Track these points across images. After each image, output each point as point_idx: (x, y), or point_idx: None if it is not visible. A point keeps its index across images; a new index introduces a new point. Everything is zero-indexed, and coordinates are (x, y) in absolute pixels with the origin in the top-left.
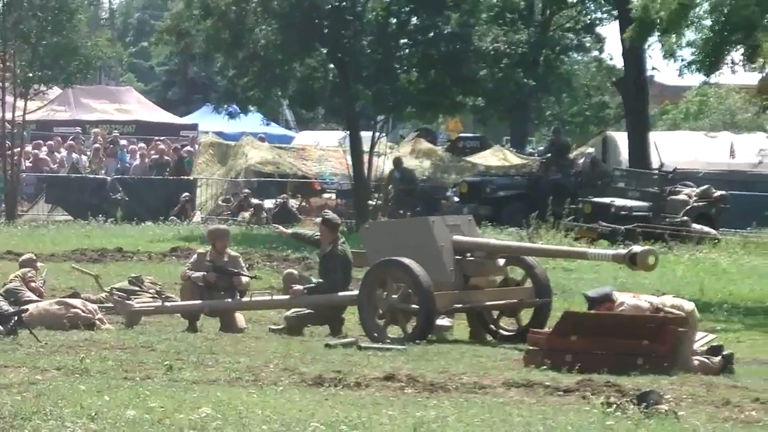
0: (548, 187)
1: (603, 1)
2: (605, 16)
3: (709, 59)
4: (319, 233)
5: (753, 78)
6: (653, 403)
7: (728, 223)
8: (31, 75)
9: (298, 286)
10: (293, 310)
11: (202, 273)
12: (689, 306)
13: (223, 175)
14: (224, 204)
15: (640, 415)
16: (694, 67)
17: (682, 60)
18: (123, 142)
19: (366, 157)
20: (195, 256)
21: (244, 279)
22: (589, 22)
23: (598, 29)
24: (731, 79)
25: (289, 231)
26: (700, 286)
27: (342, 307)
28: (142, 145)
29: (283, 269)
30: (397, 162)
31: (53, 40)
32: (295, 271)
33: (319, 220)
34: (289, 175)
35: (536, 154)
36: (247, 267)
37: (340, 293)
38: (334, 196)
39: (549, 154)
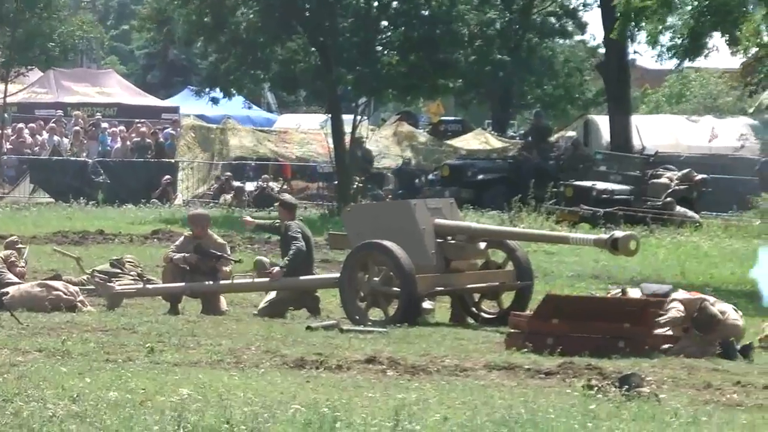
0: (529, 171)
1: None
2: (588, 1)
3: (690, 44)
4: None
5: (735, 62)
6: (634, 386)
7: (709, 206)
8: (10, 57)
9: (276, 268)
10: (264, 301)
11: (183, 254)
12: (734, 314)
13: (206, 159)
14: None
15: (622, 397)
16: (674, 52)
17: (662, 45)
18: (104, 124)
19: (348, 140)
20: (181, 238)
21: (227, 267)
22: (571, 7)
23: (581, 14)
24: (713, 63)
25: (254, 222)
26: (681, 269)
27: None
28: (122, 128)
29: (265, 252)
30: (357, 142)
31: (33, 21)
32: (266, 259)
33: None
34: (270, 158)
35: (517, 138)
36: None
37: (321, 276)
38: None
39: (530, 138)
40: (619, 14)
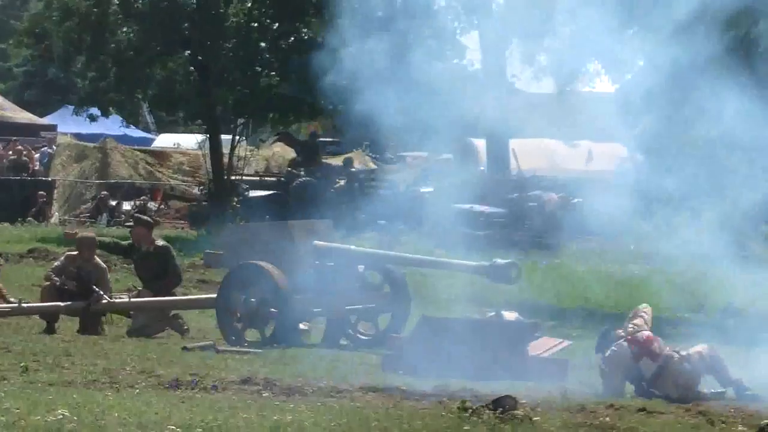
0: (299, 189)
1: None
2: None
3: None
4: (132, 236)
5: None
6: (508, 409)
7: (585, 230)
8: None
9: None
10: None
11: (63, 279)
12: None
13: (82, 177)
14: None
15: (496, 420)
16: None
17: (539, 66)
18: None
19: (226, 160)
20: (62, 258)
21: (104, 300)
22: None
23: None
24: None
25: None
26: (556, 293)
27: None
28: None
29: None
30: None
31: None
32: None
33: (131, 222)
34: (147, 178)
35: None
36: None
37: (198, 296)
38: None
39: (299, 156)
40: None
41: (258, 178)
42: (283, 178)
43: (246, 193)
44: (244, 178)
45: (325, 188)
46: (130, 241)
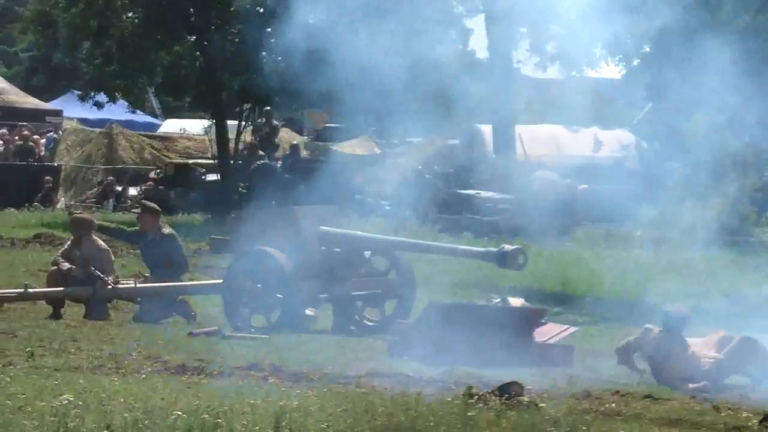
0: (254, 171)
1: None
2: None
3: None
4: (140, 223)
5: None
6: (515, 395)
7: (592, 216)
8: None
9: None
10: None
11: (69, 266)
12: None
13: (87, 162)
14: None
15: (502, 406)
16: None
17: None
18: None
19: (232, 145)
20: (68, 243)
21: (110, 279)
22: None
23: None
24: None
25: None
26: (562, 279)
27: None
28: (4, 131)
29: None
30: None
31: None
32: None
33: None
34: (154, 164)
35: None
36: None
37: (204, 281)
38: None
39: (255, 138)
40: None
41: (214, 161)
42: (240, 162)
43: (203, 177)
44: (200, 161)
45: (282, 170)
46: (136, 228)
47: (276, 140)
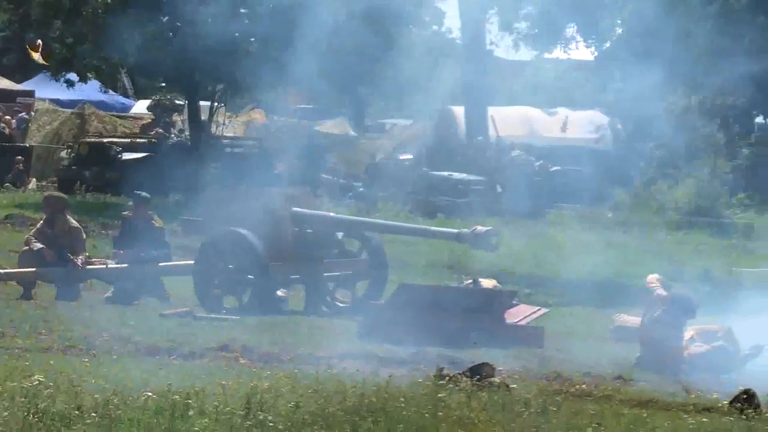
0: (169, 150)
1: None
2: None
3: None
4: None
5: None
6: (486, 376)
7: (563, 197)
8: None
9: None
10: (111, 291)
11: (41, 246)
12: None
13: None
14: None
15: (473, 387)
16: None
17: (518, 33)
18: None
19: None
20: (41, 223)
21: (79, 261)
22: None
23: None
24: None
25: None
26: (534, 260)
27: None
28: None
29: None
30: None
31: None
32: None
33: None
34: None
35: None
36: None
37: (175, 263)
38: None
39: (155, 115)
40: None
41: (129, 140)
42: (154, 140)
43: (119, 156)
44: (116, 140)
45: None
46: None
47: (176, 118)
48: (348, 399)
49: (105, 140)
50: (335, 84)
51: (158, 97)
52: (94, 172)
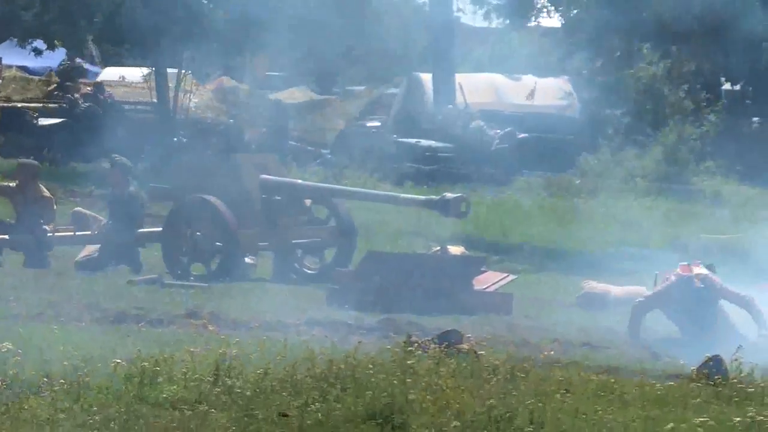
0: (83, 115)
1: None
2: None
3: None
4: (109, 179)
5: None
6: (454, 343)
7: (531, 164)
8: None
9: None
10: (83, 254)
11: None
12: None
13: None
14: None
15: (441, 354)
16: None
17: (489, 4)
18: None
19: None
20: (14, 185)
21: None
22: None
23: None
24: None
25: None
26: (502, 227)
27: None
28: None
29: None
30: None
31: None
32: (85, 211)
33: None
34: None
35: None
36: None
37: (143, 230)
38: None
39: (60, 80)
40: None
41: (41, 105)
42: (65, 105)
43: (35, 121)
44: (30, 105)
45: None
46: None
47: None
48: (316, 366)
49: (19, 105)
50: (302, 51)
51: (66, 61)
52: (9, 138)
